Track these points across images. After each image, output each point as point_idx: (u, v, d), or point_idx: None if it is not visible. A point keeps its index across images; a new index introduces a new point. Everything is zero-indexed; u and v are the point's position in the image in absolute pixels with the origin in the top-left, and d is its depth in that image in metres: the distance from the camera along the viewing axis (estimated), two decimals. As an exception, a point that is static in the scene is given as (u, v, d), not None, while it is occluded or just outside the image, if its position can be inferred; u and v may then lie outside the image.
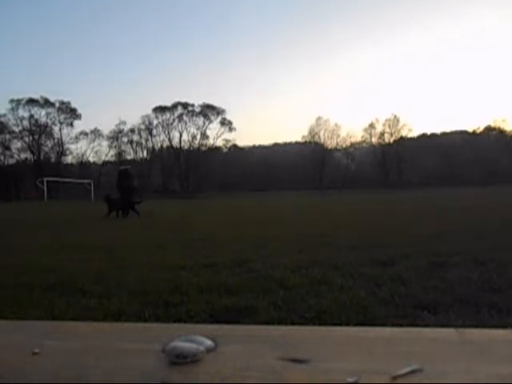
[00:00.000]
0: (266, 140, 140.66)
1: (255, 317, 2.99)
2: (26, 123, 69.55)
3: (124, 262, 5.36)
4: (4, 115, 68.03)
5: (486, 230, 7.45)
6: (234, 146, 79.77)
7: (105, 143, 77.71)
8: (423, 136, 78.18)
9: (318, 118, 77.53)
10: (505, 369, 0.54)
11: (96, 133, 74.01)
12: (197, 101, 76.28)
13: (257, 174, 74.71)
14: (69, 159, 75.21)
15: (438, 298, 3.28)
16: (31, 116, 69.95)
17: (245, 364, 0.57)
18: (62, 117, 71.89)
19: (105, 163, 73.31)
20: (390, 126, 75.59)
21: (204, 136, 76.00)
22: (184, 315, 3.10)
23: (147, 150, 76.22)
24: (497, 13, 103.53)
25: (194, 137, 75.81)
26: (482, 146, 68.69)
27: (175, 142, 76.09)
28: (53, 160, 71.52)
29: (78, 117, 72.44)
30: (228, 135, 78.07)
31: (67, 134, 72.72)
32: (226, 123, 75.42)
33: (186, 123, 75.35)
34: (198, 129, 75.79)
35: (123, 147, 75.13)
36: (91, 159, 76.43)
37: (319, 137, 77.64)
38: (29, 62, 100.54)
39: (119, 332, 0.73)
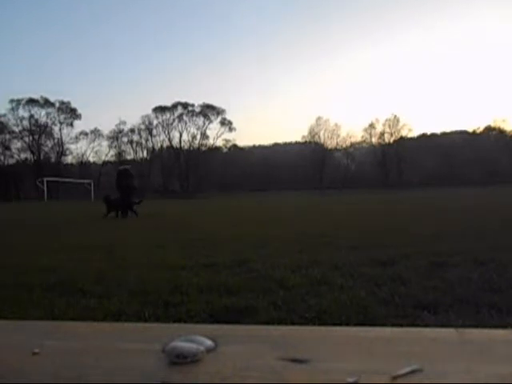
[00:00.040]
0: (266, 140, 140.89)
1: (255, 317, 2.99)
2: (25, 123, 69.69)
3: (124, 262, 5.36)
4: (4, 115, 68.19)
5: (486, 230, 7.45)
6: (234, 145, 79.82)
7: (105, 143, 77.85)
8: (423, 136, 78.19)
9: (318, 118, 77.66)
10: (505, 369, 0.54)
11: (96, 133, 74.15)
12: (197, 101, 76.47)
13: (257, 173, 74.72)
14: (69, 159, 75.38)
15: (437, 298, 3.27)
16: (31, 116, 70.07)
17: (245, 364, 0.57)
18: (62, 117, 72.00)
19: (105, 163, 73.31)
20: (390, 126, 75.69)
21: (204, 136, 76.12)
22: (184, 315, 3.10)
23: (147, 150, 76.33)
24: (497, 13, 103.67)
25: (193, 137, 75.93)
26: (482, 145, 68.69)
27: (175, 142, 76.23)
28: (53, 160, 71.54)
29: (78, 117, 72.58)
30: (228, 135, 78.20)
31: (67, 134, 72.88)
32: (225, 123, 75.51)
33: (186, 123, 75.45)
34: (198, 129, 75.91)
35: (123, 147, 75.27)
36: (91, 159, 76.60)
37: (319, 137, 77.75)
38: (29, 62, 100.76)
39: (119, 332, 0.73)
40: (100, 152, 78.72)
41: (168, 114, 75.06)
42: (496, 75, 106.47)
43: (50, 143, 72.37)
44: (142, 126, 74.73)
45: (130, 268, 4.95)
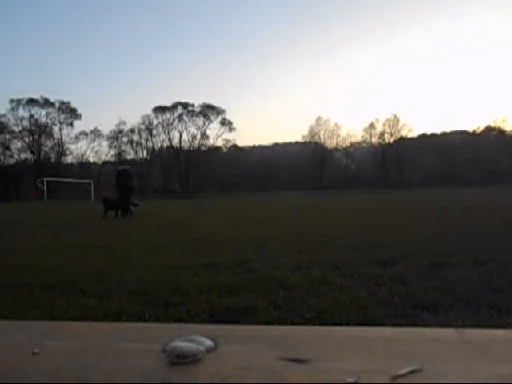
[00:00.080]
0: (266, 140, 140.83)
1: (255, 317, 3.00)
2: (25, 123, 69.63)
3: (124, 262, 5.36)
4: (4, 115, 68.12)
5: (486, 230, 7.45)
6: (234, 146, 79.80)
7: (105, 143, 77.82)
8: (423, 136, 78.16)
9: (318, 118, 77.62)
10: (505, 369, 0.54)
11: (96, 133, 74.09)
12: (197, 101, 76.48)
13: (257, 173, 74.71)
14: (69, 159, 75.32)
15: (438, 298, 3.27)
16: (31, 116, 70.03)
17: (245, 364, 0.57)
18: (62, 117, 71.94)
19: (105, 163, 73.27)
20: (390, 126, 75.65)
21: (204, 136, 76.10)
22: (184, 315, 3.10)
23: (147, 150, 76.28)
24: (497, 13, 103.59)
25: (193, 137, 75.91)
26: (482, 145, 68.68)
27: (175, 142, 76.20)
28: (53, 160, 71.51)
29: (78, 117, 72.52)
30: (228, 135, 78.21)
31: (67, 134, 72.82)
32: (225, 123, 75.50)
33: (186, 123, 75.42)
34: (198, 129, 75.88)
35: (123, 147, 75.21)
36: (91, 159, 76.55)
37: (319, 137, 77.72)
38: (29, 62, 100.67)
39: (119, 332, 0.73)
40: (100, 152, 78.96)
41: (168, 114, 75.13)
42: (496, 75, 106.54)
43: (49, 143, 72.45)
44: (142, 126, 74.82)
45: (130, 268, 4.95)
